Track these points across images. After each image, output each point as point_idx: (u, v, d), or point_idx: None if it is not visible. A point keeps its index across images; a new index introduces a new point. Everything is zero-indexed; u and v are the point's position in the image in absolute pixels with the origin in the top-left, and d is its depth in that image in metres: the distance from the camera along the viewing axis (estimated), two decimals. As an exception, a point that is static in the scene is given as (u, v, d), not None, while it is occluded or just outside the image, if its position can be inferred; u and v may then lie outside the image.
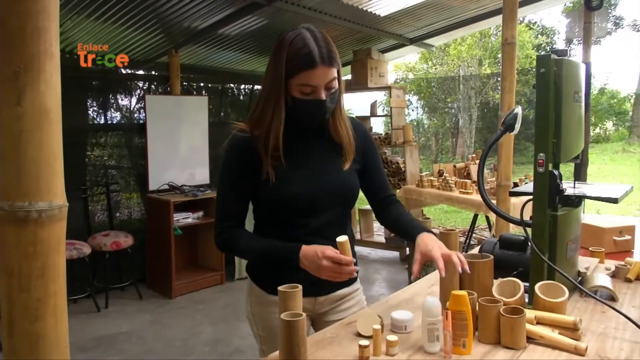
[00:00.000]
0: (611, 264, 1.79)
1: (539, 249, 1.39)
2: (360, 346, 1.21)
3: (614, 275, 1.69)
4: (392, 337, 1.23)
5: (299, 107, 1.39)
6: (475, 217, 4.67)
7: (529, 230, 1.43)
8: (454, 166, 4.72)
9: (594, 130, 15.56)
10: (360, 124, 1.59)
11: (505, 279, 1.40)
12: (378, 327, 1.24)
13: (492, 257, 1.42)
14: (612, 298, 1.51)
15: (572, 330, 1.24)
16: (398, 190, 4.87)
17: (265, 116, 1.41)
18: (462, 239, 5.80)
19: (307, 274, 1.42)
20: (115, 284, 4.32)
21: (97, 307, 3.96)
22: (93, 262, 4.05)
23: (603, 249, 1.87)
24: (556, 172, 1.42)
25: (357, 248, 5.55)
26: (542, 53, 1.35)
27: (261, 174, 1.41)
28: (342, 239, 1.29)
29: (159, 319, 3.84)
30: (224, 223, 1.47)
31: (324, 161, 1.48)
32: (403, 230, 1.53)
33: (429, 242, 1.38)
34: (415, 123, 14.27)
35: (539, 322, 1.29)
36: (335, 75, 1.38)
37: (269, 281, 1.47)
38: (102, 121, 4.61)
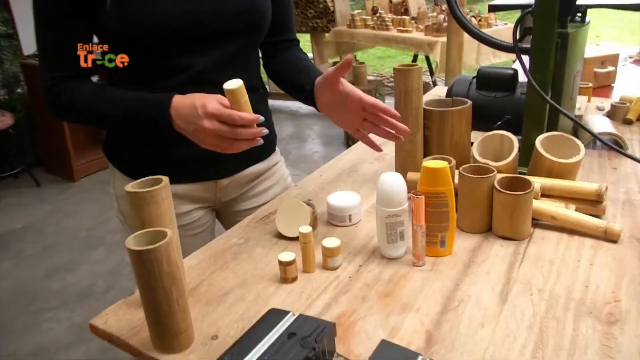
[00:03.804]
0: (604, 102, 1.41)
1: (539, 85, 0.92)
2: (281, 263, 0.75)
3: (609, 116, 1.32)
4: (332, 242, 0.78)
5: None
6: (415, 58, 4.20)
7: (525, 59, 0.95)
8: (390, 1, 4.09)
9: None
10: None
11: (488, 133, 0.96)
12: (307, 229, 0.77)
13: (469, 102, 0.96)
14: (619, 146, 1.12)
15: (593, 203, 0.84)
16: (327, 34, 4.23)
17: None
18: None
19: (198, 148, 0.88)
20: (5, 172, 3.64)
21: (-18, 201, 3.34)
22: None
23: (590, 84, 1.47)
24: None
25: (285, 103, 5.09)
26: None
27: None
28: (232, 85, 0.74)
29: (60, 207, 3.29)
30: (52, 73, 0.89)
31: None
32: (297, 75, 0.98)
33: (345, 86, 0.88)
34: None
35: (545, 194, 0.87)
36: None
37: (136, 162, 0.96)
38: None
